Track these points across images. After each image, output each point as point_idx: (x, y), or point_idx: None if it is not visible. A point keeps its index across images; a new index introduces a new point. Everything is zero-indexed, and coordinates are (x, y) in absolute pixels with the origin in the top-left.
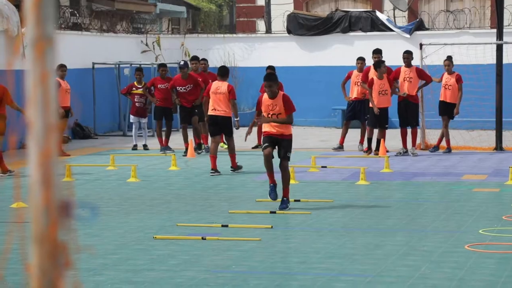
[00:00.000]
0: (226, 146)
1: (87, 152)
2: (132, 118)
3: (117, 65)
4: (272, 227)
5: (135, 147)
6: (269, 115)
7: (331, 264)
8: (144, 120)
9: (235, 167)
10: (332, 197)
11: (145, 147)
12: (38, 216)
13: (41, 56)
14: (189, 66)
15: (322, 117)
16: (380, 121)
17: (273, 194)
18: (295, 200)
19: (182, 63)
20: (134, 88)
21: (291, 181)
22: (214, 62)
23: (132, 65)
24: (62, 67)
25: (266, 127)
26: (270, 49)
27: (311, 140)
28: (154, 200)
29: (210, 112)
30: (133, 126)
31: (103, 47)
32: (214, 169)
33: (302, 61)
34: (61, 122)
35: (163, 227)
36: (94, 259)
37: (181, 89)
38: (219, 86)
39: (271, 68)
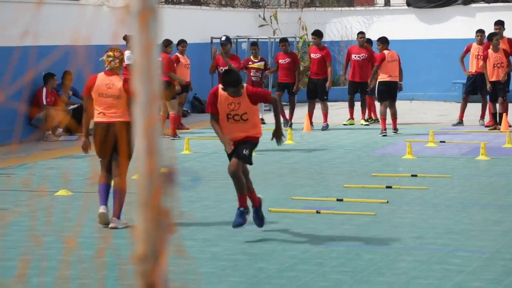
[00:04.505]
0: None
1: (205, 126)
2: None
3: (235, 40)
4: (387, 202)
5: None
6: (229, 117)
7: (447, 240)
8: None
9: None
10: (450, 173)
11: (262, 121)
12: (143, 183)
13: (145, 26)
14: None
15: (442, 91)
16: (497, 94)
17: (241, 219)
18: (412, 175)
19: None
20: (250, 63)
21: (408, 156)
22: (331, 36)
23: (250, 40)
24: (182, 42)
25: (229, 133)
26: (388, 22)
27: (430, 114)
28: (269, 173)
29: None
30: None
31: (221, 22)
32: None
33: (421, 34)
34: (181, 96)
35: (277, 200)
36: (210, 230)
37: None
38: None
39: (368, 42)
